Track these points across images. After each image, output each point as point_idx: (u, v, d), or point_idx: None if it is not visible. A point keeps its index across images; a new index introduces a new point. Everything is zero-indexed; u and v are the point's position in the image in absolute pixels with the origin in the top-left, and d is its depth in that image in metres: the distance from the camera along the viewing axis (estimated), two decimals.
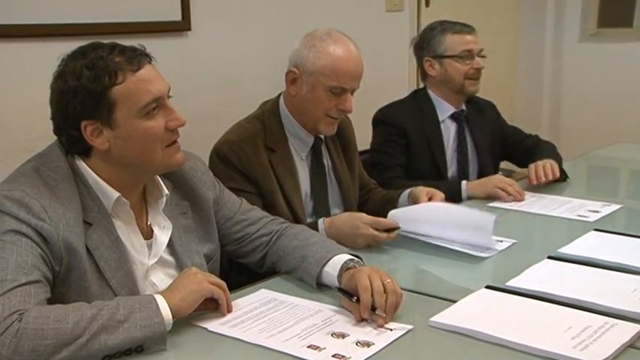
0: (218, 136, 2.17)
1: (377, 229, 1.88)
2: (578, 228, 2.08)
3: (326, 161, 2.25)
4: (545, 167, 2.53)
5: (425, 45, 2.69)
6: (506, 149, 2.88)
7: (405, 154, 2.63)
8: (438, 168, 2.66)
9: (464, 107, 2.74)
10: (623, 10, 4.50)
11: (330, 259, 1.61)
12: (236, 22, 2.76)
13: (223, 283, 1.47)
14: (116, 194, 1.47)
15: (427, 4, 3.74)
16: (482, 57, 2.66)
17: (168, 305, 1.34)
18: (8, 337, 1.22)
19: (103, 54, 1.42)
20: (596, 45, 4.54)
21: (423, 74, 2.74)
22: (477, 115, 2.78)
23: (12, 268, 1.30)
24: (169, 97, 1.50)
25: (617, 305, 1.47)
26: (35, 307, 1.27)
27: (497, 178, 2.47)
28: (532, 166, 2.57)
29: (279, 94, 2.22)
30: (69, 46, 1.45)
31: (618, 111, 4.41)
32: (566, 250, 1.87)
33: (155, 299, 1.35)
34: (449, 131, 2.71)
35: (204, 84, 2.69)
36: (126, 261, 1.49)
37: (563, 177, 2.61)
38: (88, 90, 1.40)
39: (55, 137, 1.50)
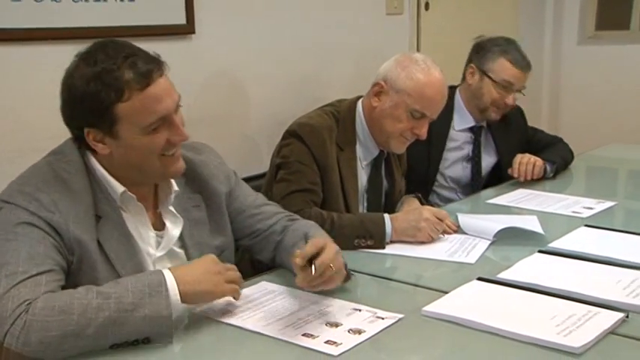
0: (225, 138, 2.15)
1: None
2: (570, 223, 2.14)
3: (383, 174, 2.29)
4: (528, 164, 2.57)
5: (480, 52, 2.67)
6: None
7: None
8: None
9: (484, 124, 2.73)
10: (621, 13, 4.54)
11: None
12: (240, 25, 2.78)
13: (240, 280, 1.51)
14: (121, 189, 1.49)
15: (427, 7, 3.78)
16: (520, 92, 2.66)
17: (180, 293, 1.36)
18: (17, 329, 1.25)
19: (113, 66, 1.39)
20: (594, 47, 4.58)
21: (463, 76, 2.73)
22: (503, 125, 2.76)
23: (23, 260, 1.33)
24: (179, 106, 1.49)
25: (601, 295, 1.53)
26: (42, 297, 1.29)
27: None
28: (518, 157, 2.60)
29: (358, 98, 2.25)
30: (77, 48, 1.48)
31: (616, 112, 4.44)
32: (557, 244, 1.93)
33: (165, 283, 1.36)
34: (464, 138, 2.71)
35: (209, 86, 2.71)
36: (135, 252, 1.51)
37: (548, 175, 2.65)
38: (93, 102, 1.40)
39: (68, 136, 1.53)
